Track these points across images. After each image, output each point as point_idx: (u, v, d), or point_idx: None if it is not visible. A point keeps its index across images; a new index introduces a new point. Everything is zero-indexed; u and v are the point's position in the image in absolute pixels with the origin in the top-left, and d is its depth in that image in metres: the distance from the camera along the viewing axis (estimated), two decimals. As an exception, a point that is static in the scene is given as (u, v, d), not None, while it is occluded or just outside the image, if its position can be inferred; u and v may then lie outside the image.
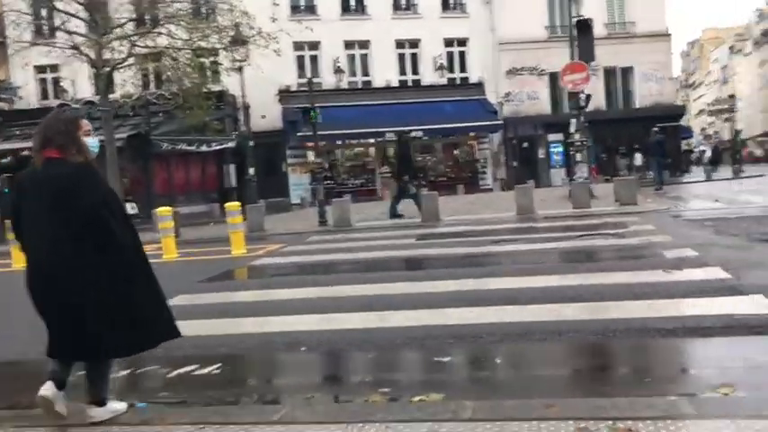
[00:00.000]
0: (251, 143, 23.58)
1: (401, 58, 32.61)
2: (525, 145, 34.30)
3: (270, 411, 3.64)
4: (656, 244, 8.81)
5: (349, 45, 31.88)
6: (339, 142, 31.28)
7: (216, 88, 24.68)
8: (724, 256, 7.42)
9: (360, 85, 32.16)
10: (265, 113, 29.49)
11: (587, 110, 19.18)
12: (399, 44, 32.31)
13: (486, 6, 33.47)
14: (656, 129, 24.76)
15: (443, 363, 4.54)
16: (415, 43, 32.50)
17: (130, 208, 20.65)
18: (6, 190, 19.04)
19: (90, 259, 3.38)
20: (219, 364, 4.78)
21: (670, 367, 4.01)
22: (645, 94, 35.34)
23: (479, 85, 33.00)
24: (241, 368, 4.91)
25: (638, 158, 33.76)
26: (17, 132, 24.72)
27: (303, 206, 27.04)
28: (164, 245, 12.08)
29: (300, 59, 31.28)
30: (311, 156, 29.37)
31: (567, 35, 19.60)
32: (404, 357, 4.92)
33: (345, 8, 31.94)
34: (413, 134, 16.84)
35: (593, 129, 17.88)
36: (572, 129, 17.77)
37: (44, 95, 29.77)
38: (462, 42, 33.31)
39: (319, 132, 18.75)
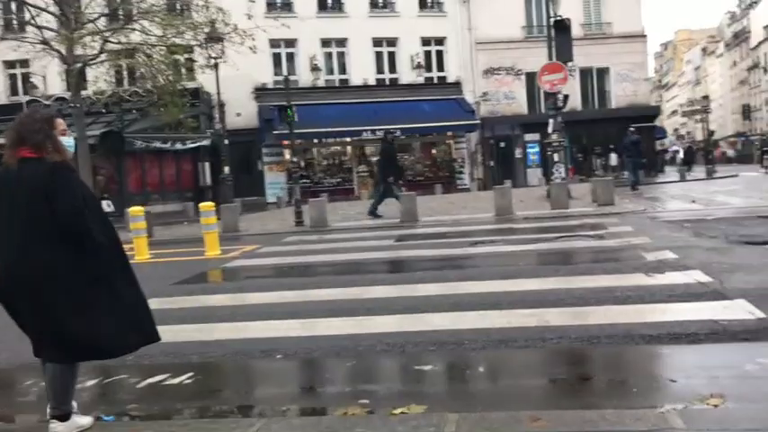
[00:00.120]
0: (226, 141, 23.32)
1: (378, 56, 32.46)
2: (502, 145, 34.34)
3: (245, 425, 3.48)
4: (636, 246, 8.76)
5: (326, 43, 31.65)
6: (316, 141, 31.11)
7: (191, 85, 24.38)
8: (704, 258, 7.38)
9: (337, 84, 31.97)
10: (241, 111, 29.18)
11: (563, 110, 19.16)
12: (377, 42, 32.16)
13: (463, 5, 33.42)
14: (631, 129, 24.92)
15: (424, 371, 4.40)
16: (392, 42, 32.37)
17: (106, 206, 20.29)
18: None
19: (66, 260, 3.29)
20: (192, 374, 4.60)
21: (657, 376, 3.91)
22: (620, 94, 35.58)
23: (457, 85, 32.99)
24: (214, 377, 4.73)
25: (614, 158, 34.00)
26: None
27: (279, 205, 26.77)
28: (135, 245, 11.80)
29: (277, 57, 31.00)
30: (287, 154, 29.15)
31: (544, 35, 19.62)
32: (384, 365, 4.78)
33: (322, 5, 31.71)
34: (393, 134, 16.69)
35: (568, 129, 17.90)
36: (550, 129, 17.72)
37: (13, 91, 29.14)
38: (440, 41, 33.25)
39: (296, 131, 18.51)
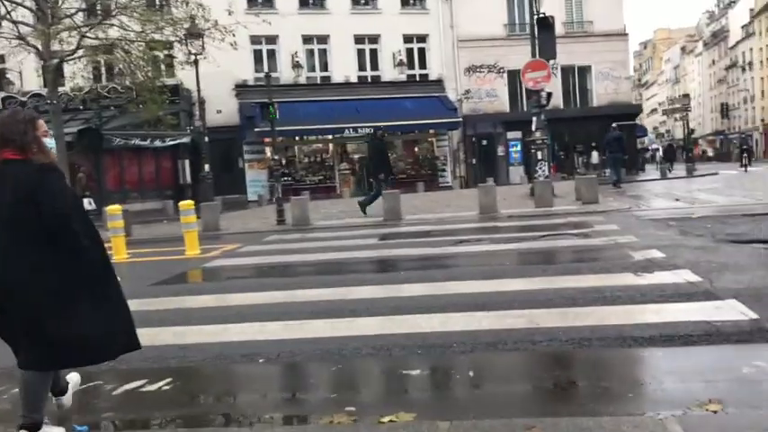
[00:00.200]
0: (206, 139, 23.06)
1: (360, 53, 32.30)
2: (484, 143, 34.36)
3: (225, 436, 3.32)
4: (623, 245, 8.68)
5: (307, 40, 31.43)
6: (297, 138, 30.89)
7: (170, 82, 24.09)
8: (692, 257, 7.31)
9: (318, 81, 31.77)
10: (221, 108, 28.90)
11: (546, 107, 19.11)
12: (358, 39, 31.99)
13: (445, 3, 33.35)
14: (614, 125, 24.96)
15: (412, 376, 4.24)
16: (374, 39, 32.21)
17: (88, 204, 19.98)
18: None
19: (51, 263, 3.25)
20: (170, 379, 4.41)
21: (652, 380, 3.79)
22: (602, 92, 35.74)
23: (439, 82, 32.93)
24: (194, 383, 4.54)
25: (595, 156, 34.13)
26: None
27: (260, 203, 26.53)
28: (113, 245, 11.54)
29: (258, 54, 30.75)
30: (269, 152, 28.93)
31: (526, 33, 19.56)
32: (370, 370, 4.62)
33: (303, 2, 31.50)
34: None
35: (550, 127, 17.89)
36: (533, 127, 17.67)
37: (-11, 87, 28.61)
38: (422, 39, 33.16)
39: (277, 128, 18.30)
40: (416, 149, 33.72)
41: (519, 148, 34.03)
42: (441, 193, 28.02)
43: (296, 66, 30.90)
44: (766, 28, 69.72)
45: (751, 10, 73.42)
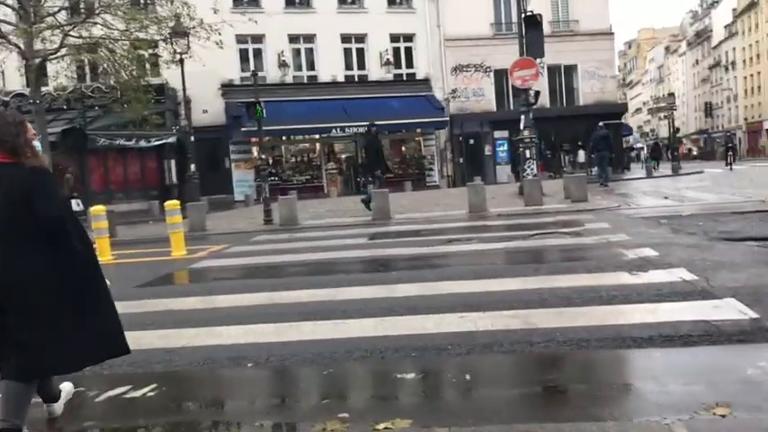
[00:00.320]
0: (192, 138, 22.83)
1: (347, 52, 32.16)
2: (471, 142, 34.32)
3: (213, 445, 3.17)
4: (615, 243, 8.59)
5: (294, 39, 31.26)
6: (284, 138, 30.70)
7: (155, 81, 23.83)
8: (686, 256, 7.22)
9: (305, 80, 31.61)
10: (207, 108, 28.67)
11: (534, 106, 19.03)
12: (345, 39, 31.85)
13: (432, 2, 33.29)
14: (601, 124, 25.00)
15: (407, 380, 4.11)
16: (361, 38, 32.08)
17: (76, 205, 19.72)
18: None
19: (51, 263, 3.25)
20: (155, 385, 4.25)
21: (655, 382, 3.66)
22: (588, 91, 35.81)
23: (426, 82, 32.86)
24: (180, 389, 4.38)
25: (581, 155, 34.19)
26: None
27: (247, 203, 26.33)
28: (98, 246, 11.31)
29: (244, 53, 30.53)
30: (255, 151, 28.69)
31: (513, 32, 19.51)
32: (363, 374, 4.47)
33: (290, 1, 31.35)
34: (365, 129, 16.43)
35: (536, 126, 17.85)
36: (522, 125, 17.60)
37: (-31, 87, 28.17)
38: (409, 38, 33.07)
39: (264, 128, 18.12)
40: (404, 149, 33.63)
41: (506, 147, 34.10)
42: (428, 192, 27.94)
43: (282, 65, 30.70)
44: (749, 27, 70.27)
45: (734, 10, 73.98)
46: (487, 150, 34.39)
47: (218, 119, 29.35)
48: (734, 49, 74.59)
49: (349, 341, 4.92)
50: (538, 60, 18.25)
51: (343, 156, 32.75)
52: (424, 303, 5.88)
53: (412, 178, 31.62)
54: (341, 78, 31.72)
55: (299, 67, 31.69)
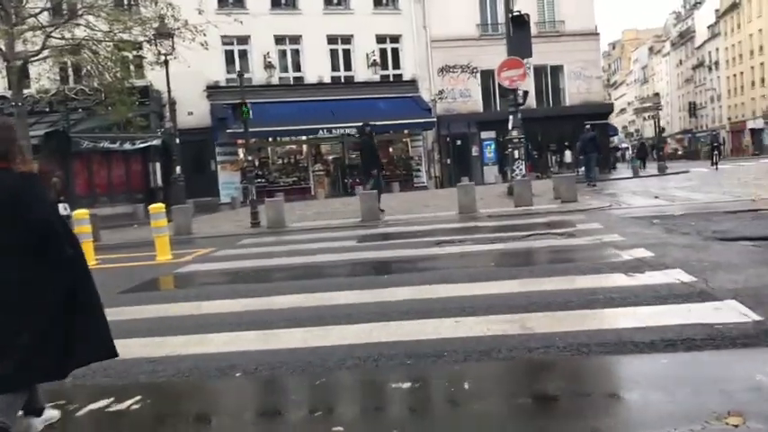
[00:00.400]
0: (177, 141, 22.58)
1: (333, 53, 31.98)
2: (458, 142, 34.24)
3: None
4: (609, 244, 8.48)
5: (279, 40, 31.04)
6: (270, 139, 30.47)
7: (140, 83, 23.55)
8: (682, 256, 7.11)
9: (291, 82, 31.39)
10: (193, 110, 28.40)
11: (522, 106, 18.93)
12: (331, 40, 31.67)
13: (418, 3, 33.19)
14: (588, 126, 25.04)
15: (403, 390, 3.94)
16: (347, 39, 31.92)
17: (63, 209, 19.34)
18: None
19: (35, 272, 3.22)
20: (139, 397, 4.07)
21: (661, 390, 3.52)
22: (574, 92, 35.84)
23: (413, 82, 32.74)
24: (165, 401, 4.19)
25: (568, 155, 34.21)
26: None
27: (233, 206, 26.07)
28: (81, 251, 11.07)
29: (229, 54, 30.28)
30: (241, 153, 28.44)
31: (499, 33, 19.40)
32: (357, 383, 4.30)
33: (275, 2, 31.12)
34: (358, 130, 16.26)
35: (523, 126, 17.75)
36: (510, 125, 17.49)
37: (-51, 89, 27.67)
38: (395, 39, 32.94)
39: (250, 129, 17.89)
40: (391, 150, 33.47)
41: (493, 147, 34.07)
42: (416, 193, 27.81)
43: (268, 66, 30.48)
44: (731, 28, 70.80)
45: (716, 11, 74.54)
46: (475, 151, 34.34)
47: (204, 121, 29.08)
48: (717, 49, 75.13)
49: (341, 348, 4.75)
50: (525, 60, 18.15)
51: (331, 157, 32.56)
52: (417, 307, 5.72)
53: (400, 179, 31.48)
54: (327, 79, 31.53)
55: (285, 69, 31.46)
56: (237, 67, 27.46)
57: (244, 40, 29.92)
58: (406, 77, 32.84)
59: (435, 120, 32.30)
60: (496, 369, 4.25)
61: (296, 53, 31.55)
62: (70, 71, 24.50)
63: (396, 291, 6.51)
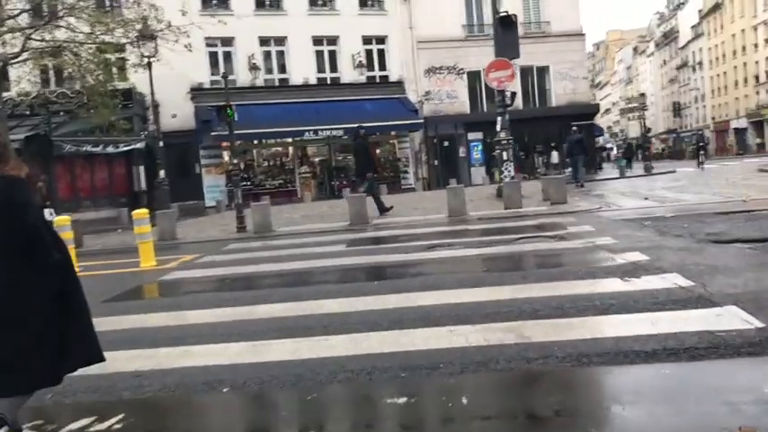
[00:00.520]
0: (161, 144, 22.29)
1: (319, 55, 31.76)
2: (446, 144, 34.14)
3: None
4: (601, 247, 8.36)
5: (264, 41, 30.78)
6: (256, 142, 30.21)
7: (122, 86, 23.26)
8: (677, 260, 7.00)
9: (276, 83, 31.14)
10: (176, 112, 28.08)
11: (510, 107, 18.85)
12: (317, 41, 31.45)
13: (404, 4, 33.05)
14: (575, 127, 25.04)
15: (399, 405, 3.77)
16: (333, 40, 31.72)
17: (49, 214, 19.03)
18: None
19: (23, 276, 3.17)
20: (123, 415, 3.88)
21: (668, 402, 3.38)
22: (560, 92, 35.86)
23: (399, 84, 32.59)
24: (150, 419, 4.00)
25: (555, 156, 34.19)
26: None
27: (219, 210, 25.80)
28: (63, 258, 10.82)
29: (213, 56, 29.98)
30: (227, 156, 28.16)
31: (485, 34, 19.32)
32: (349, 398, 4.12)
33: (260, 3, 30.84)
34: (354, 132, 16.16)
35: (510, 127, 17.65)
36: (498, 127, 17.39)
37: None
38: (381, 40, 32.77)
39: (235, 132, 17.67)
40: (378, 151, 33.29)
41: (480, 148, 34.00)
42: (404, 195, 27.67)
43: (253, 68, 30.22)
44: (714, 28, 71.28)
45: (699, 11, 75.02)
46: (462, 152, 34.24)
47: (188, 123, 28.76)
48: (700, 49, 75.62)
49: (332, 360, 4.58)
50: (512, 61, 18.06)
51: (317, 159, 32.34)
52: (410, 316, 5.56)
53: (387, 181, 31.30)
54: (313, 81, 31.32)
55: (270, 70, 31.21)
56: (222, 69, 27.12)
57: (228, 41, 29.65)
58: (393, 79, 32.69)
59: (422, 121, 32.17)
60: (494, 381, 4.10)
61: (281, 54, 31.31)
62: (52, 74, 24.16)
63: (387, 298, 6.34)
